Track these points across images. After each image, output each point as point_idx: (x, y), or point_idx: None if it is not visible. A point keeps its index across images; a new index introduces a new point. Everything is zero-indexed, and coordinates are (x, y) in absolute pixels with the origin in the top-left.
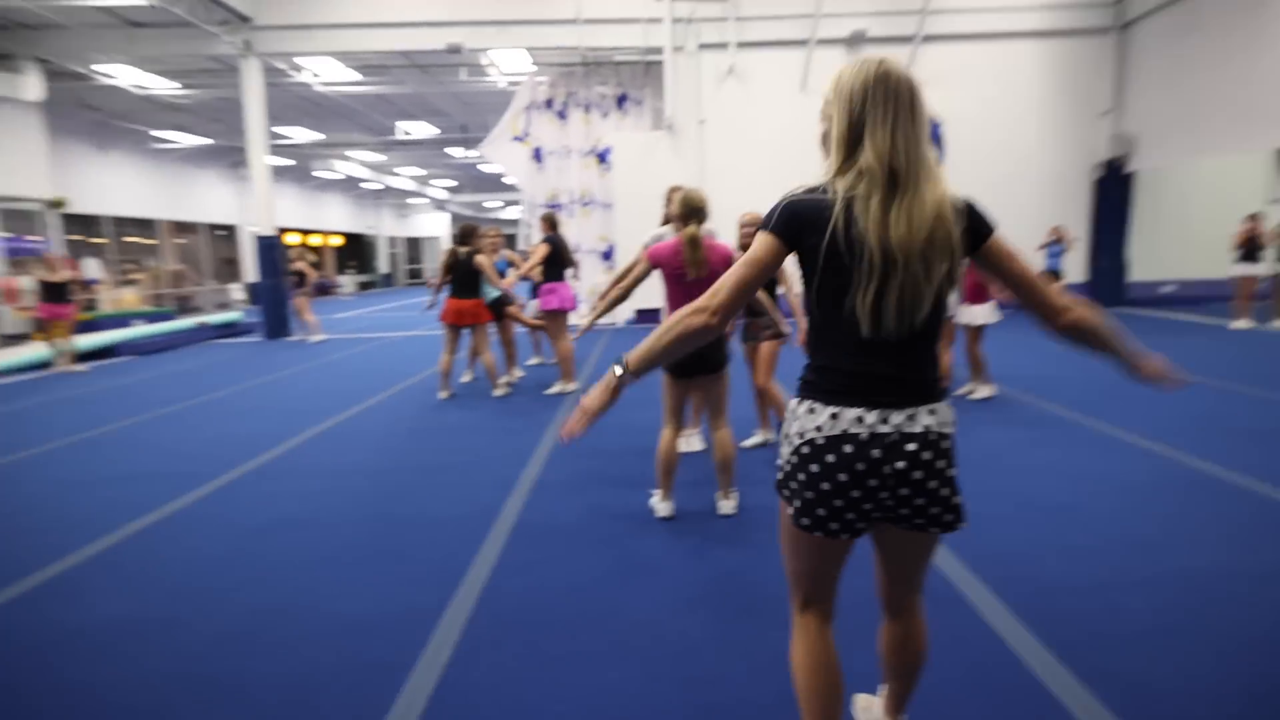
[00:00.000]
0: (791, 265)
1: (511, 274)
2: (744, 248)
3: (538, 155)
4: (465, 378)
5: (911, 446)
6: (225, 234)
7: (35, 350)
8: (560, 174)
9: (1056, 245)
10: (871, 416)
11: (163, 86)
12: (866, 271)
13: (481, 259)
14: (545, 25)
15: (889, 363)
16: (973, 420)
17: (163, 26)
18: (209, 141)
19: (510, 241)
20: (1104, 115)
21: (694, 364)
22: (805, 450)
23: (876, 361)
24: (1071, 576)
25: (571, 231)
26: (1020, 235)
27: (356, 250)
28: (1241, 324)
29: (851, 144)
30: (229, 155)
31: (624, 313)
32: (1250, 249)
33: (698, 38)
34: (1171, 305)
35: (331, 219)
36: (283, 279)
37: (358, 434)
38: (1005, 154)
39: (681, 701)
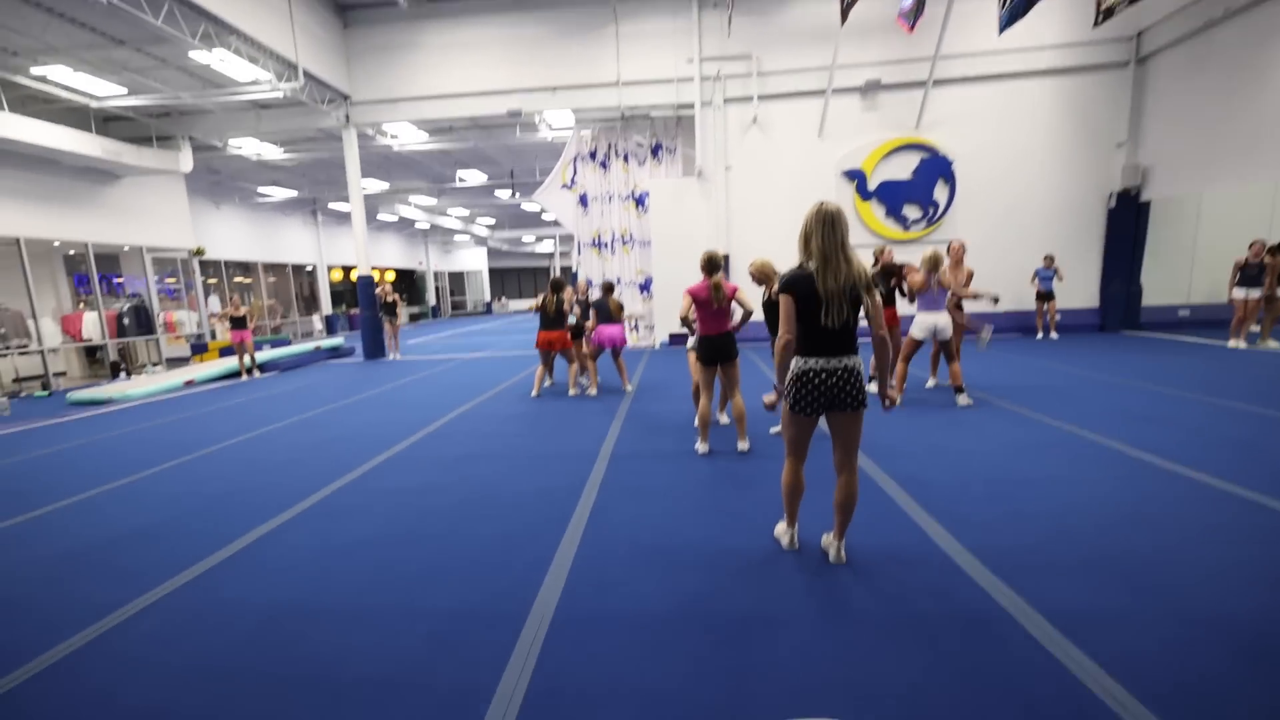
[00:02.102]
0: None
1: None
2: (755, 280)
3: (583, 200)
4: (573, 391)
5: (841, 371)
6: (309, 272)
7: (228, 363)
8: (603, 216)
9: (1047, 271)
10: (825, 361)
11: (274, 153)
12: (822, 301)
13: (567, 304)
14: (590, 89)
15: (831, 339)
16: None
17: (283, 107)
18: (295, 194)
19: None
20: (1119, 147)
21: (717, 354)
22: (799, 378)
23: (827, 338)
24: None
25: (614, 267)
26: (1033, 261)
27: (407, 284)
28: (1236, 344)
29: (808, 244)
30: (309, 204)
31: (660, 336)
32: (1248, 274)
33: (724, 93)
34: (1185, 328)
35: (387, 256)
36: (378, 310)
37: (484, 416)
38: (1017, 185)
39: (717, 520)
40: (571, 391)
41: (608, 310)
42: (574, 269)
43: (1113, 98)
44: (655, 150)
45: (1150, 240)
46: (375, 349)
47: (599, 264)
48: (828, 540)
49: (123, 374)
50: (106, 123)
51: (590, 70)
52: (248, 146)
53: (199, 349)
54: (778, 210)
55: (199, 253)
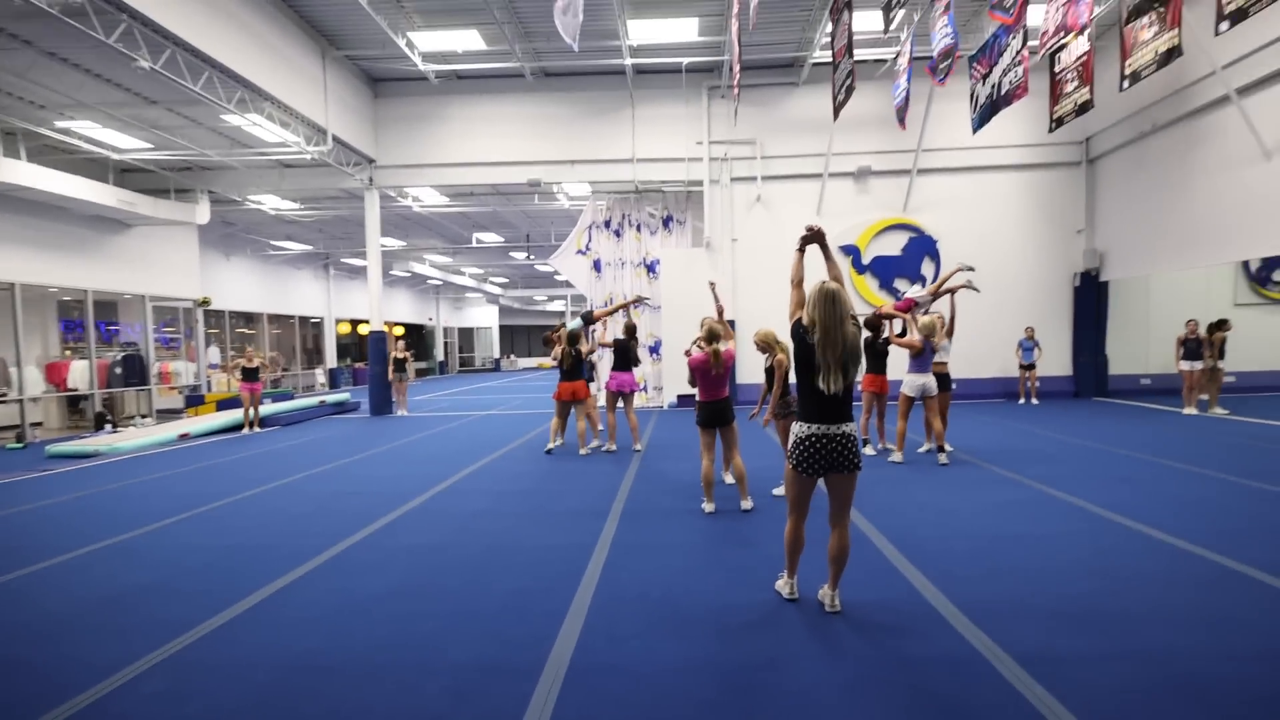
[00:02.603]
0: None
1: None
2: (759, 348)
3: (597, 266)
4: (583, 451)
5: (840, 437)
6: (314, 324)
7: (225, 417)
8: (615, 281)
9: (1029, 342)
10: (825, 427)
11: (293, 209)
12: (822, 366)
13: (587, 350)
14: (607, 164)
15: (831, 406)
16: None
17: (308, 166)
18: (309, 248)
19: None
20: (1079, 233)
21: (715, 419)
22: (801, 442)
23: (826, 405)
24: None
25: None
26: (1013, 333)
27: (415, 340)
28: (1189, 411)
29: (809, 315)
30: (321, 258)
31: (668, 398)
32: (1190, 348)
33: (730, 173)
34: (1147, 396)
35: (396, 311)
36: (387, 366)
37: (495, 474)
38: (997, 265)
39: (723, 576)
40: (582, 450)
41: (627, 354)
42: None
43: (1071, 190)
44: (666, 221)
45: (1111, 315)
46: (383, 405)
47: (612, 326)
48: (824, 592)
49: (108, 426)
50: (124, 173)
51: (607, 147)
52: (268, 202)
53: (194, 401)
54: (780, 281)
55: (204, 303)
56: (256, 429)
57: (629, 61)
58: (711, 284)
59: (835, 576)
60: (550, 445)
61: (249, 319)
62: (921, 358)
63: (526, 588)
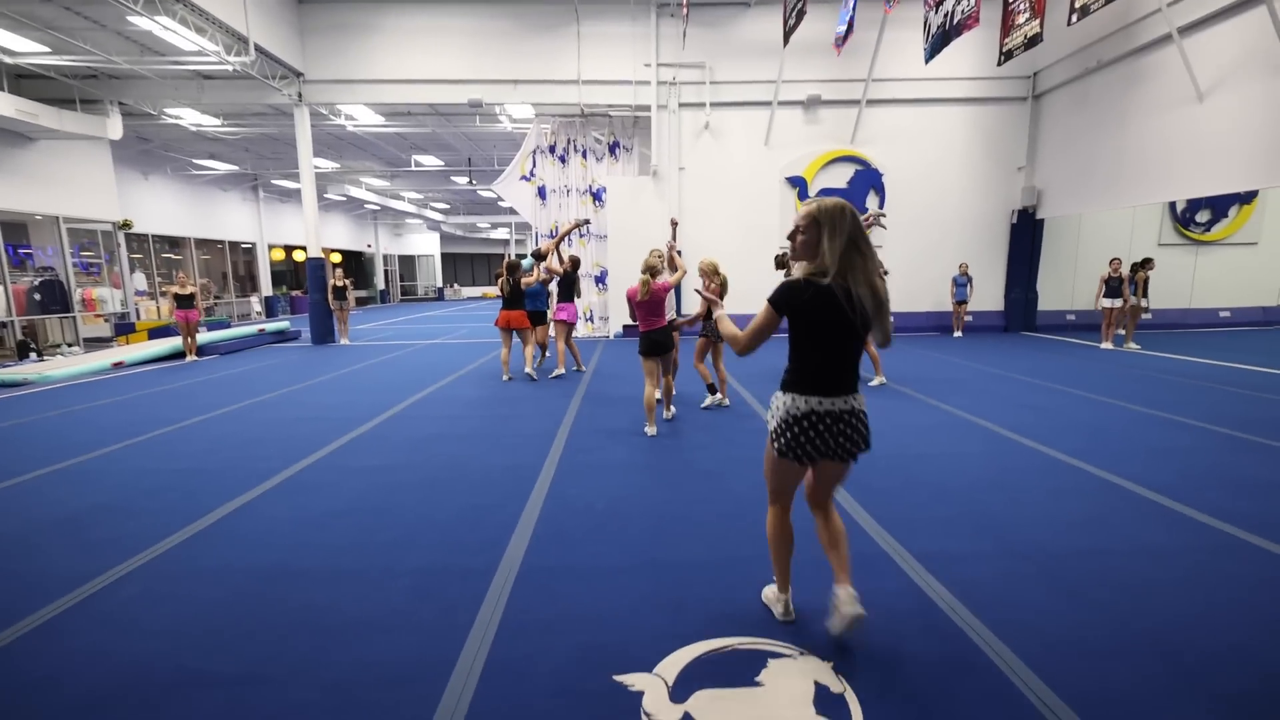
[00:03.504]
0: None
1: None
2: (702, 275)
3: (542, 193)
4: (529, 370)
5: (849, 415)
6: (246, 250)
7: (161, 345)
8: (561, 209)
9: (963, 278)
10: (833, 402)
11: (215, 125)
12: (837, 324)
13: (529, 280)
14: (552, 85)
15: (841, 371)
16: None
17: (229, 79)
18: (235, 168)
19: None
20: (1019, 170)
21: (655, 348)
22: (798, 421)
23: (835, 371)
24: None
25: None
26: (950, 268)
27: (355, 267)
28: (1106, 346)
29: (816, 248)
30: (250, 180)
31: (614, 327)
32: (1111, 286)
33: (679, 98)
34: (1072, 331)
35: (333, 238)
36: (327, 294)
37: (443, 399)
38: (938, 200)
39: (668, 488)
40: (527, 370)
41: (571, 285)
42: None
43: (1015, 127)
44: (613, 148)
45: (1044, 253)
46: (325, 334)
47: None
48: (841, 594)
49: (32, 355)
50: (20, 80)
51: (552, 66)
52: (188, 117)
53: (124, 329)
54: (727, 210)
55: (125, 225)
56: (194, 357)
57: None
58: (673, 222)
59: (843, 566)
60: (505, 376)
61: (174, 244)
62: None
63: (479, 503)
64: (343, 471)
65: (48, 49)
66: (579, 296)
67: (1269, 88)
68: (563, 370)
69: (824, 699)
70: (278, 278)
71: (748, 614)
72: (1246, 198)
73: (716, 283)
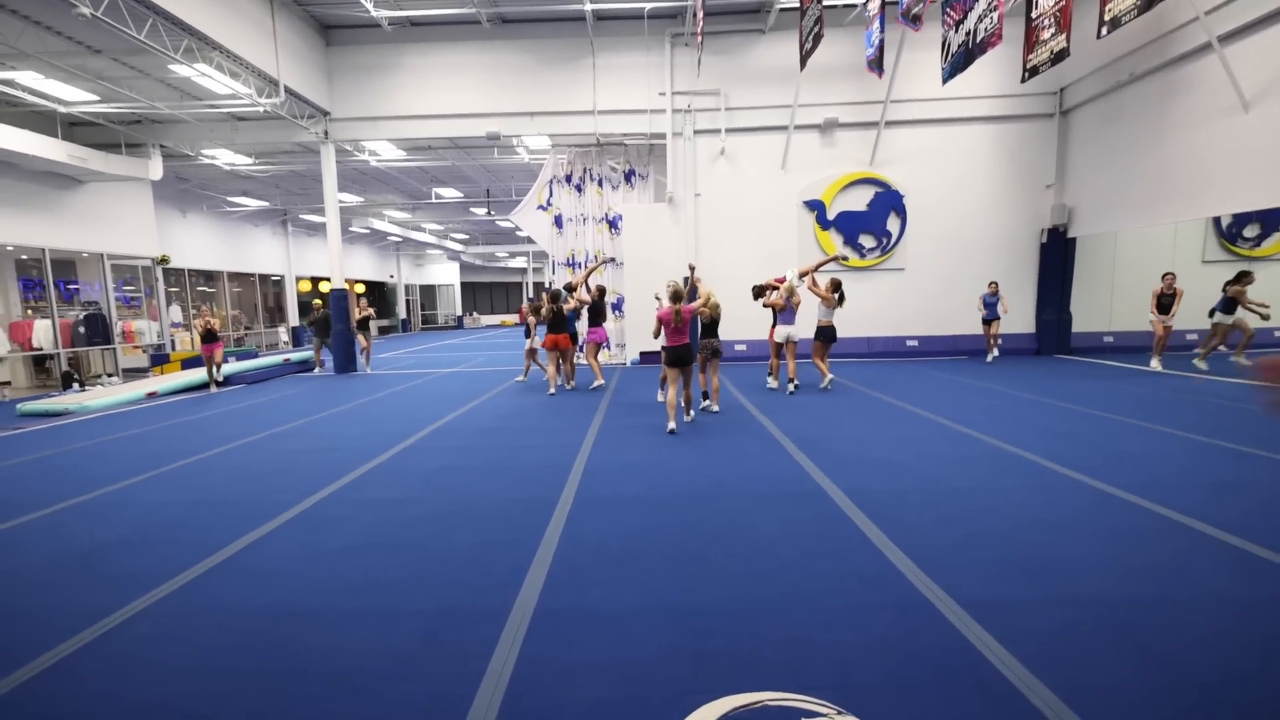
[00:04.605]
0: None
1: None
2: (671, 298)
3: (558, 221)
4: (570, 385)
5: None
6: (275, 282)
7: (191, 375)
8: (577, 237)
9: (992, 297)
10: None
11: (247, 164)
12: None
13: (567, 308)
14: (567, 116)
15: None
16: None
17: (261, 119)
18: (266, 204)
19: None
20: (1048, 188)
21: (679, 360)
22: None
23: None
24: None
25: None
26: (977, 290)
27: (377, 296)
28: (1155, 365)
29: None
30: (279, 215)
31: (631, 354)
32: (1163, 304)
33: (694, 125)
34: (1111, 353)
35: (358, 268)
36: (350, 324)
37: (462, 429)
38: (961, 219)
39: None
40: (567, 385)
41: (599, 311)
42: (548, 285)
43: (1042, 144)
44: (629, 176)
45: (1077, 273)
46: (347, 363)
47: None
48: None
49: (75, 385)
50: (72, 127)
51: (567, 98)
52: (222, 157)
53: (159, 360)
54: (744, 235)
55: (163, 261)
56: (217, 389)
57: (589, 7)
58: (691, 267)
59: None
60: (551, 390)
61: (209, 277)
62: (785, 314)
63: (492, 539)
64: (357, 505)
65: (97, 97)
66: (605, 321)
67: None
68: (601, 381)
69: None
70: (304, 308)
71: (775, 665)
72: None
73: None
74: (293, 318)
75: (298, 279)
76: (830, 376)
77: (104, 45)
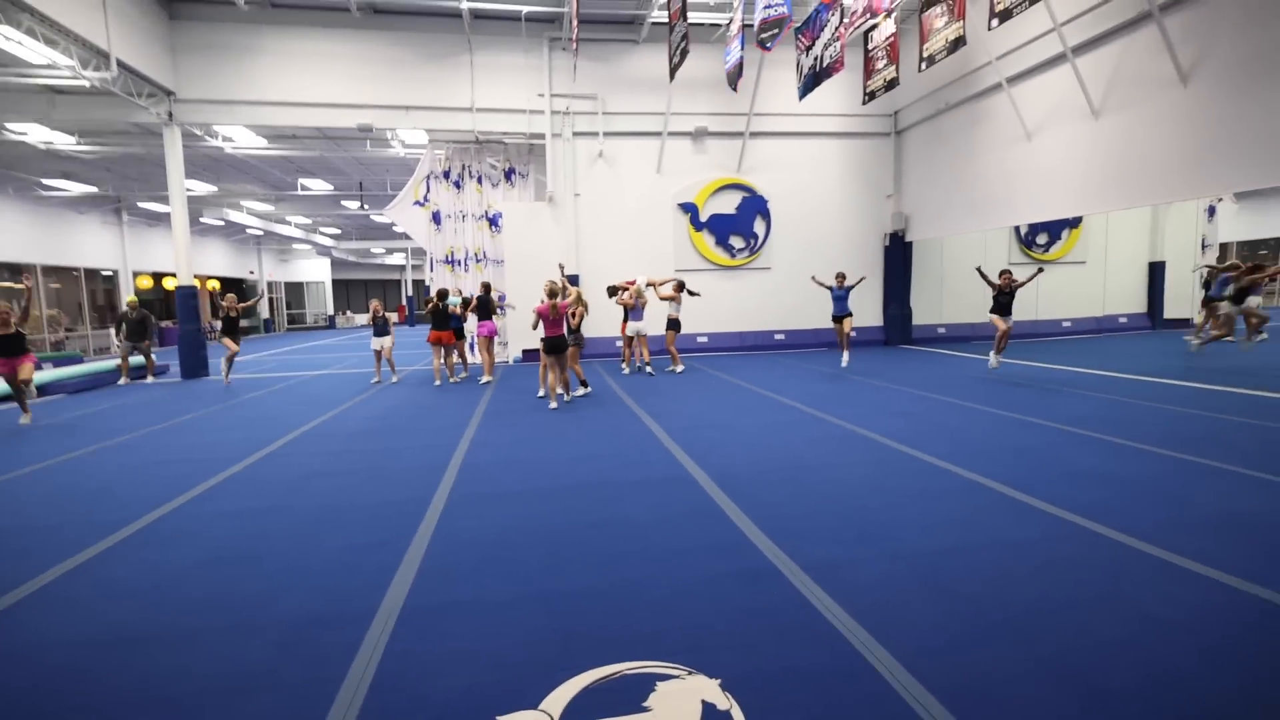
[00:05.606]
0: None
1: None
2: (548, 295)
3: (436, 218)
4: (455, 379)
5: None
6: (107, 278)
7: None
8: (456, 234)
9: (839, 289)
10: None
11: (68, 143)
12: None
13: (453, 306)
14: (445, 111)
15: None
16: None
17: (87, 95)
18: (94, 189)
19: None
20: (889, 197)
21: (554, 348)
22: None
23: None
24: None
25: (467, 284)
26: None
27: (236, 295)
28: (993, 361)
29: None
30: (112, 202)
31: (514, 352)
32: (1000, 303)
33: (573, 127)
34: (943, 343)
35: (211, 264)
36: (200, 325)
37: (329, 434)
38: (818, 223)
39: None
40: (452, 379)
41: (487, 305)
42: (427, 283)
43: (883, 158)
44: (509, 174)
45: (915, 273)
46: (196, 367)
47: (452, 280)
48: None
49: None
50: None
51: (445, 94)
52: (34, 133)
53: None
54: (623, 235)
55: None
56: (27, 418)
57: (465, 5)
58: (560, 266)
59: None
60: (436, 381)
61: (17, 271)
62: (634, 311)
63: (359, 543)
64: (206, 518)
65: None
66: (494, 314)
67: (1079, 129)
68: (490, 378)
69: (711, 717)
70: (147, 307)
71: (638, 636)
72: (1074, 223)
73: (579, 309)
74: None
75: (136, 274)
76: (681, 367)
77: None
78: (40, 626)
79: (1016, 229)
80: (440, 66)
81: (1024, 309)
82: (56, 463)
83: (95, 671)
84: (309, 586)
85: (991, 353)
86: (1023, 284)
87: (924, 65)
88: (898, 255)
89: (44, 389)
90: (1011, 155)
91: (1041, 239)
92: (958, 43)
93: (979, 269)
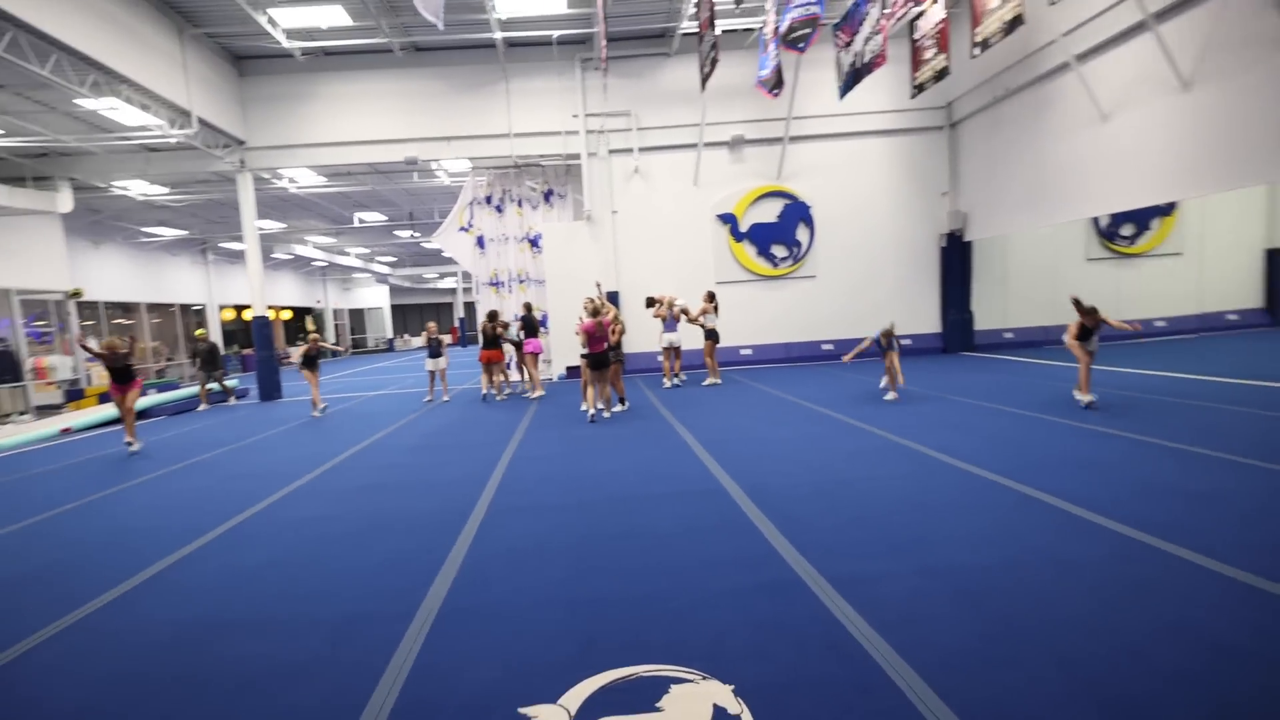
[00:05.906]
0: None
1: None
2: (591, 314)
3: (480, 242)
4: (500, 396)
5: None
6: (197, 312)
7: (107, 410)
8: (499, 257)
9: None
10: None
11: (162, 194)
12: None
13: (500, 330)
14: (484, 139)
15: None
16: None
17: (174, 150)
18: (184, 233)
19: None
20: (944, 195)
21: (598, 364)
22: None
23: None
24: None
25: (511, 304)
26: (885, 295)
27: (304, 323)
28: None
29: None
30: (198, 244)
31: (557, 369)
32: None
33: (608, 145)
34: (1010, 349)
35: (283, 295)
36: (273, 352)
37: (385, 448)
38: (866, 227)
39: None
40: (499, 397)
41: (532, 325)
42: (476, 305)
43: (935, 154)
44: (547, 196)
45: (975, 274)
46: (270, 390)
47: (497, 301)
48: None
49: None
50: None
51: (483, 122)
52: (135, 188)
53: (75, 395)
54: (662, 250)
55: (75, 294)
56: (133, 441)
57: (499, 35)
58: (598, 284)
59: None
60: (484, 393)
61: (127, 309)
62: (668, 323)
63: (405, 548)
64: (274, 526)
65: (2, 131)
66: (538, 334)
67: (1167, 105)
68: (542, 391)
69: None
70: (229, 337)
71: (657, 642)
72: (1166, 210)
73: (618, 325)
74: (220, 348)
75: (220, 307)
76: (718, 380)
77: (6, 81)
78: (146, 611)
79: (1095, 221)
80: (477, 96)
81: (1107, 308)
82: (155, 476)
83: (190, 648)
84: (360, 586)
85: (1076, 391)
86: (1109, 323)
87: (978, 51)
88: (955, 256)
89: (145, 413)
90: (1084, 140)
91: (1126, 230)
92: (1015, 22)
93: (1075, 299)
